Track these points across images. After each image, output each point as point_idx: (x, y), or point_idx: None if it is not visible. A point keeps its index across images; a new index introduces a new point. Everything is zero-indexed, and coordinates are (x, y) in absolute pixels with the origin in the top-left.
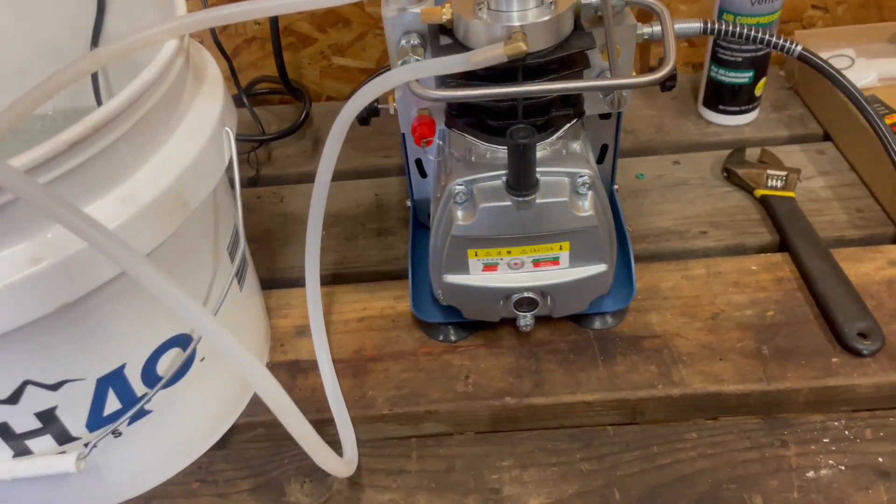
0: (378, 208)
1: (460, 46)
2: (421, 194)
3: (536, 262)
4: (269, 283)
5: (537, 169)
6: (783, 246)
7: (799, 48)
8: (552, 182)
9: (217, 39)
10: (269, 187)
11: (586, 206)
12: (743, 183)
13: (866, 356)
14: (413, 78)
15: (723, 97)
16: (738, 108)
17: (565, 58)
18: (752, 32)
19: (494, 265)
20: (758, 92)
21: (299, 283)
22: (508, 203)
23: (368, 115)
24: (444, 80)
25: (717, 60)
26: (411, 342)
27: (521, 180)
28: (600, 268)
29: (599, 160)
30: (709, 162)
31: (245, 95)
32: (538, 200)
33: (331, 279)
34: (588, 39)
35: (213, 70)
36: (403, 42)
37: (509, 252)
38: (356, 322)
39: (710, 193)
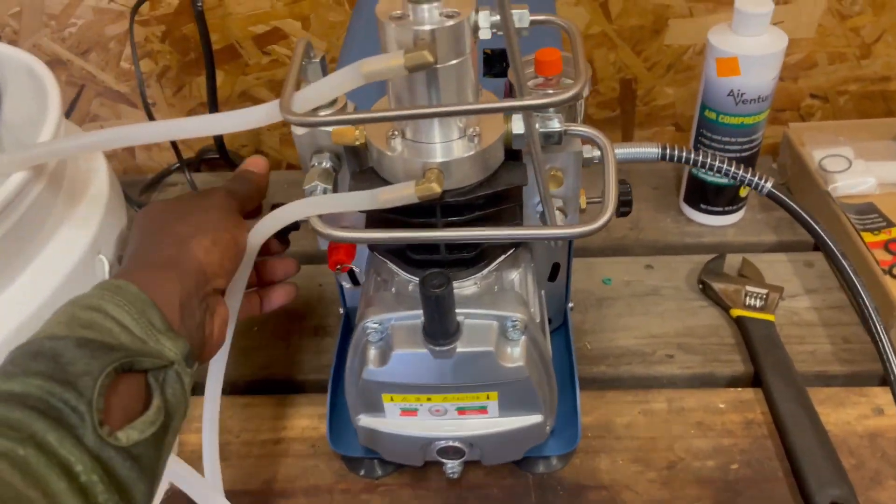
0: (320, 301)
1: (375, 175)
2: (355, 301)
3: (461, 410)
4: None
5: (461, 311)
6: (757, 379)
7: (768, 185)
8: (477, 327)
9: (147, 107)
10: None
11: (516, 355)
12: (719, 299)
13: None
14: (312, 214)
15: (705, 195)
16: (720, 209)
17: (492, 194)
18: (718, 163)
19: (414, 410)
20: (743, 193)
21: (225, 388)
22: (425, 351)
23: (286, 231)
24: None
25: None
26: (329, 475)
27: (438, 329)
28: (535, 418)
29: (551, 278)
30: (685, 269)
31: (186, 166)
32: (459, 349)
33: (254, 387)
34: (520, 173)
35: (98, 185)
36: (315, 163)
37: (429, 399)
38: (272, 444)
39: (682, 308)
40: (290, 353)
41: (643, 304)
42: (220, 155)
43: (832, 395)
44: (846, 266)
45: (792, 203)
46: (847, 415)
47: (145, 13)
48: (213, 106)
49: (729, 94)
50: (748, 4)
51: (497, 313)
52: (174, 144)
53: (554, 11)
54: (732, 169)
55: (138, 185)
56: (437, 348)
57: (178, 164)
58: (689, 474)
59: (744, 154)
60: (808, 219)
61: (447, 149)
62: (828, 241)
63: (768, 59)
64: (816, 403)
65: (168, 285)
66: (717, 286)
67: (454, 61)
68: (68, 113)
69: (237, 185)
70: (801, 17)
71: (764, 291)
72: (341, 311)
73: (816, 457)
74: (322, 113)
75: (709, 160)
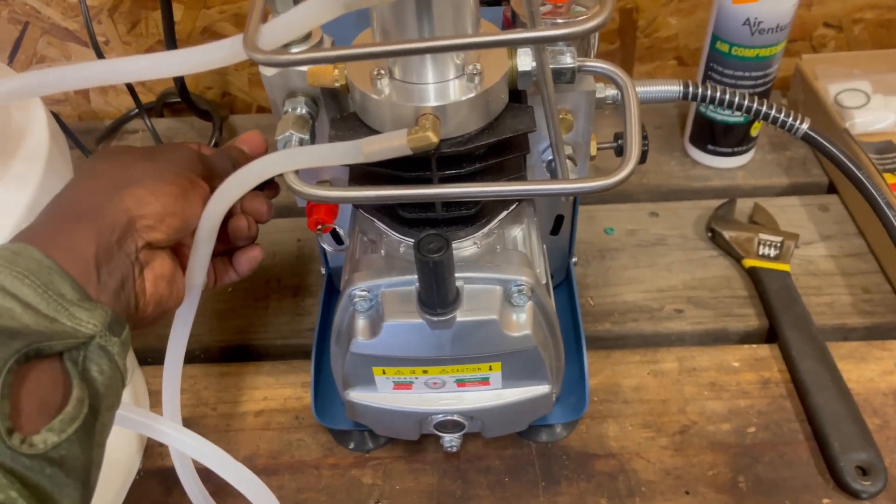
0: (298, 259)
1: (359, 122)
2: (338, 261)
3: (461, 383)
4: (160, 355)
5: (461, 275)
6: (772, 334)
7: (804, 127)
8: (479, 292)
9: (97, 45)
10: None
11: (522, 322)
12: (730, 248)
13: (864, 500)
14: (286, 170)
15: (713, 136)
16: (729, 150)
17: (495, 143)
18: (748, 102)
19: (408, 384)
20: (754, 132)
21: (198, 355)
22: (420, 321)
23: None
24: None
25: None
26: (315, 449)
27: (435, 298)
28: (541, 389)
29: (554, 231)
30: (692, 215)
31: (145, 112)
32: (459, 318)
33: (232, 353)
34: (526, 119)
35: (37, 137)
36: (288, 108)
37: (425, 371)
38: (253, 417)
39: (690, 258)
40: (269, 316)
41: (649, 256)
42: (181, 98)
43: (853, 351)
44: (891, 216)
45: (830, 146)
46: (870, 371)
47: None
48: (172, 44)
49: (745, 24)
50: None
51: (500, 276)
52: (131, 88)
53: None
54: (763, 108)
55: (95, 132)
56: (435, 318)
57: (136, 110)
58: (702, 439)
59: (757, 90)
60: (848, 163)
61: (443, 90)
62: (870, 187)
63: None
64: (837, 359)
65: (80, 241)
66: (728, 234)
67: None
68: (12, 55)
69: (216, 158)
70: None
71: (779, 239)
72: (323, 271)
73: (839, 418)
74: (294, 50)
75: (737, 99)
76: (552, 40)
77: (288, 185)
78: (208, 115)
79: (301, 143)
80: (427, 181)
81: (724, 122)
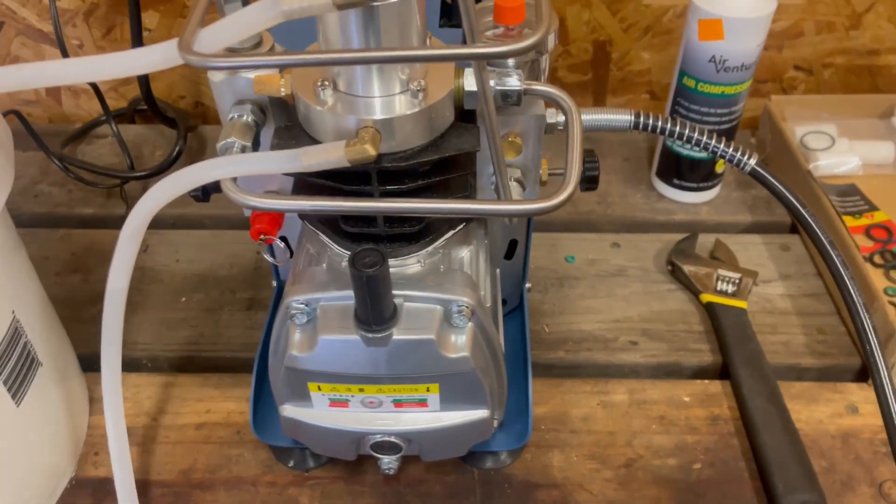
0: (255, 271)
1: (303, 133)
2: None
3: (398, 403)
4: None
5: (400, 292)
6: (725, 371)
7: (752, 163)
8: (418, 311)
9: (63, 47)
10: None
11: (461, 344)
12: (689, 282)
13: None
14: (222, 177)
15: (679, 170)
16: (695, 185)
17: (438, 161)
18: (696, 135)
19: (345, 402)
20: (719, 168)
21: (145, 364)
22: (356, 337)
23: (206, 193)
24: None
25: None
26: (254, 465)
27: (370, 314)
28: (480, 413)
29: (508, 255)
30: (653, 248)
31: (112, 118)
32: (395, 336)
33: (178, 364)
34: (471, 138)
35: None
36: (234, 114)
37: (361, 390)
38: (193, 430)
39: (648, 290)
40: (220, 329)
41: (607, 286)
42: (147, 105)
43: (804, 391)
44: (833, 256)
45: (776, 182)
46: (820, 412)
47: None
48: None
49: (710, 61)
50: None
51: (440, 297)
52: (98, 93)
53: None
54: (713, 142)
55: (63, 135)
56: (370, 335)
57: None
58: (647, 473)
59: (723, 126)
60: (794, 200)
61: (386, 104)
62: (814, 226)
63: (755, 22)
64: (788, 399)
65: None
66: (688, 268)
67: None
68: None
69: None
70: None
71: (737, 276)
72: (274, 283)
73: (785, 458)
74: (243, 73)
75: (686, 131)
76: (490, 57)
77: (224, 192)
78: (172, 122)
79: (243, 150)
80: (368, 195)
81: (689, 158)
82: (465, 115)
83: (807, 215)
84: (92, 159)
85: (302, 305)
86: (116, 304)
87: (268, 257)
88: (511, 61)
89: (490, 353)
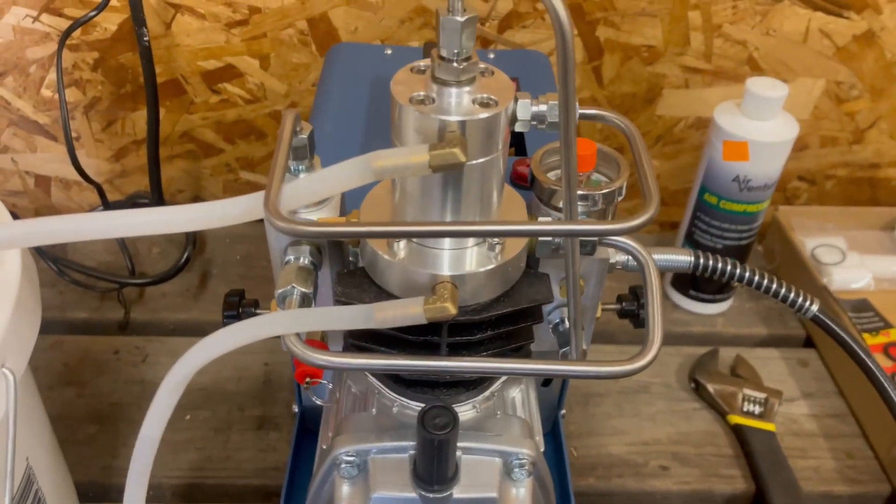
0: (265, 385)
1: (367, 280)
2: (311, 401)
3: None
4: (103, 491)
5: (460, 445)
6: (758, 498)
7: (815, 308)
8: (478, 465)
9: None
10: (133, 338)
11: (521, 498)
12: (714, 402)
13: None
14: (288, 332)
15: (695, 280)
16: (710, 296)
17: (509, 313)
18: (758, 278)
19: None
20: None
21: (148, 494)
22: (413, 496)
23: None
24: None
25: (691, 240)
26: None
27: (434, 475)
28: None
29: (545, 382)
30: (674, 362)
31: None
32: (456, 495)
33: (183, 492)
34: (543, 289)
35: (7, 271)
36: (290, 257)
37: None
38: None
39: (674, 409)
40: (228, 451)
41: (633, 404)
42: (155, 198)
43: None
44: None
45: (840, 332)
46: None
47: (76, 37)
48: (154, 148)
49: (734, 180)
50: (761, 87)
51: (502, 448)
52: (97, 186)
53: (550, 74)
54: (774, 286)
55: None
56: (431, 495)
57: (101, 208)
58: None
59: (742, 242)
60: (859, 351)
61: (461, 258)
62: (882, 380)
63: (780, 146)
64: None
65: None
66: (712, 387)
67: (482, 159)
68: None
69: None
70: (799, 97)
71: (762, 396)
72: (295, 409)
73: None
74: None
75: (747, 274)
76: (591, 235)
77: (289, 348)
78: None
79: (303, 298)
80: (434, 346)
81: None
82: (529, 260)
83: (872, 366)
84: (85, 256)
85: (352, 458)
86: (147, 452)
87: (316, 399)
88: (580, 207)
89: (546, 501)
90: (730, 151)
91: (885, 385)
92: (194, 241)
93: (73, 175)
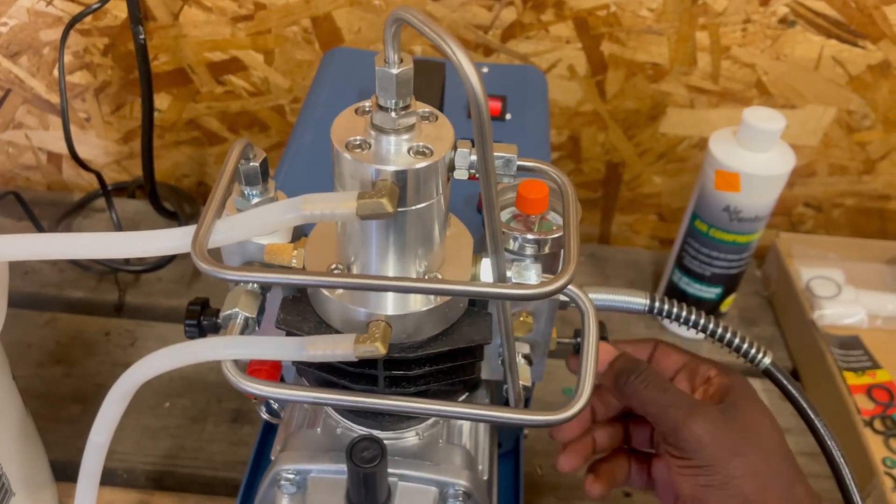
0: None
1: (310, 309)
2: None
3: None
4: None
5: (396, 471)
6: None
7: (767, 361)
8: (413, 492)
9: (67, 122)
10: (124, 321)
11: None
12: None
13: None
14: (223, 358)
15: None
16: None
17: (445, 352)
18: (713, 326)
19: None
20: (724, 308)
21: (121, 476)
22: None
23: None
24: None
25: (681, 266)
26: None
27: (364, 502)
28: None
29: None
30: None
31: (109, 194)
32: None
33: (155, 478)
34: (483, 329)
35: None
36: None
37: None
38: None
39: None
40: (202, 442)
41: None
42: (151, 202)
43: None
44: (846, 476)
45: (789, 386)
46: None
47: (87, 22)
48: (148, 141)
49: (724, 209)
50: (758, 117)
51: (438, 478)
52: (96, 173)
53: (544, 90)
54: (728, 335)
55: (61, 205)
56: None
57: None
58: None
59: (731, 271)
60: (806, 407)
61: (400, 297)
62: (827, 440)
63: (773, 180)
64: None
65: None
66: None
67: (420, 206)
68: None
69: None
70: (808, 123)
71: None
72: (263, 414)
73: None
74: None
75: (702, 321)
76: (519, 299)
77: (224, 373)
78: (175, 216)
79: (247, 322)
80: (373, 378)
81: (695, 297)
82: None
83: (819, 425)
84: None
85: (292, 476)
86: (95, 458)
87: (265, 415)
88: (529, 250)
89: None
90: (721, 181)
91: (828, 443)
92: None
93: (82, 154)
